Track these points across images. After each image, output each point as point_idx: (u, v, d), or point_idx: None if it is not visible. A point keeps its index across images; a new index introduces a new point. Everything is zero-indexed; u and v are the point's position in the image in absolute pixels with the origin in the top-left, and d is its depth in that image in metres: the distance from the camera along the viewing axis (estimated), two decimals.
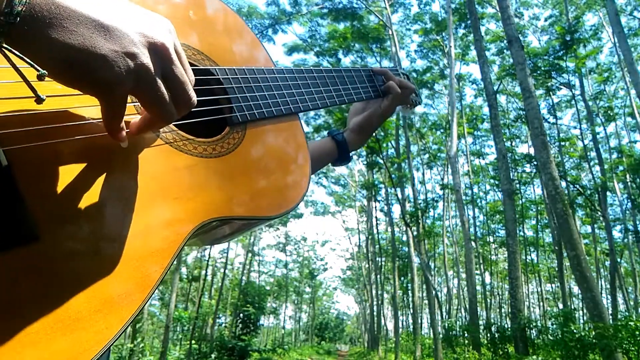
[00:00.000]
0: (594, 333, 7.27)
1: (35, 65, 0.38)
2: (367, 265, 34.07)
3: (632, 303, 22.75)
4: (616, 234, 22.41)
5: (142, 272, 0.47)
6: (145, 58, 0.42)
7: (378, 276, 28.17)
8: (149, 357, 14.29)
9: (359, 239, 38.08)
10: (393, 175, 16.19)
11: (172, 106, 0.47)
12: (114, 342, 0.42)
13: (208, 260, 23.48)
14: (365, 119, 1.04)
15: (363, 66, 1.23)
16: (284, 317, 51.71)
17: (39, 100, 0.41)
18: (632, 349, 6.63)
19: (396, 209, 27.06)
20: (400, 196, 16.08)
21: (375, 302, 28.99)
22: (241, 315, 20.29)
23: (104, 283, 0.44)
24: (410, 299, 22.95)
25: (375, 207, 26.96)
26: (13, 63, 0.39)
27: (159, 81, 0.44)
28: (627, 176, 18.02)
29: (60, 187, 0.44)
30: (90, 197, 0.46)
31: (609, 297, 19.63)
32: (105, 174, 0.48)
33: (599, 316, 7.11)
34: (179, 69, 0.46)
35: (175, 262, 0.89)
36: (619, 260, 21.66)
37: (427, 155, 26.26)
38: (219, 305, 24.82)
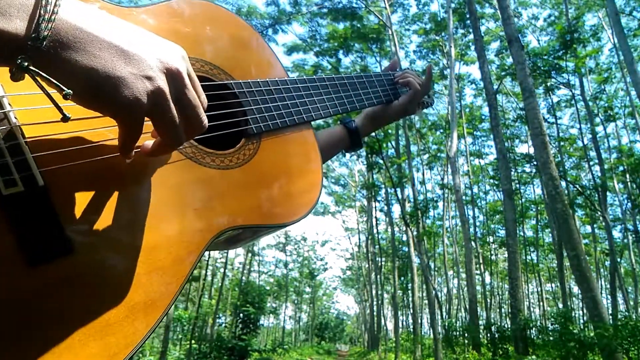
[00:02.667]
0: (593, 333, 7.26)
1: (61, 86, 0.40)
2: (367, 265, 34.06)
3: (632, 303, 22.74)
4: (616, 234, 22.42)
5: (164, 280, 0.50)
6: (162, 82, 0.45)
7: (378, 276, 28.15)
8: (149, 357, 14.28)
9: (359, 239, 38.05)
10: (393, 176, 16.16)
11: (182, 131, 0.49)
12: (141, 345, 0.46)
13: (208, 260, 23.47)
14: (380, 109, 1.06)
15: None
16: (284, 317, 51.72)
17: (65, 118, 0.44)
18: (632, 349, 6.63)
19: (396, 209, 27.06)
20: (400, 196, 16.07)
21: (375, 302, 28.98)
22: (241, 315, 20.27)
23: (131, 292, 0.47)
24: (410, 299, 22.93)
25: (375, 207, 26.96)
26: (40, 84, 0.41)
27: (172, 105, 0.46)
28: (627, 176, 18.01)
29: (88, 204, 0.48)
30: (115, 211, 0.49)
31: (609, 297, 19.64)
32: (128, 189, 0.51)
33: (599, 316, 7.11)
34: (192, 93, 0.49)
35: None
36: (619, 260, 21.66)
37: (427, 155, 26.25)
38: (219, 305, 24.82)
